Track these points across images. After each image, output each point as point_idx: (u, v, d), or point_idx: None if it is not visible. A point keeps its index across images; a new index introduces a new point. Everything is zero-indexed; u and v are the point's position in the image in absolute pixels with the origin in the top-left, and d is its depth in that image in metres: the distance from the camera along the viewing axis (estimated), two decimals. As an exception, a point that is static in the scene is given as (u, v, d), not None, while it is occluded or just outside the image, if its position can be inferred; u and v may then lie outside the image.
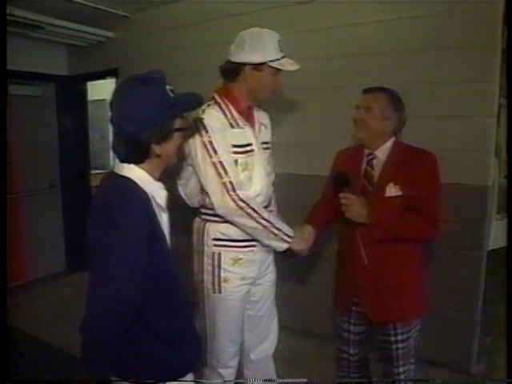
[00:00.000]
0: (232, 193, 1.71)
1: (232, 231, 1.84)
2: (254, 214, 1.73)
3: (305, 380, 2.14)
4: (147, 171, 1.26)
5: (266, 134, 1.96)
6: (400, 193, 1.74)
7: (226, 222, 1.83)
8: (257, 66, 1.75)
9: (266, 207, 1.88)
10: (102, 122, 5.52)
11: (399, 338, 1.84)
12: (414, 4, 2.45)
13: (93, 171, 4.71)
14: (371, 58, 2.60)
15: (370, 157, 1.85)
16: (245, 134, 1.83)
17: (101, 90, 5.10)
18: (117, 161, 1.29)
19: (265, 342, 2.09)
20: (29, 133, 4.13)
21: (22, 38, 3.66)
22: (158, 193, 1.28)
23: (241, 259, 1.87)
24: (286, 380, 2.08)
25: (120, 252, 1.14)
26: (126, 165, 1.25)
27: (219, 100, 1.83)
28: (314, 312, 2.94)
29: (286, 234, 1.78)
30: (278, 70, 1.77)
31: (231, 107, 1.82)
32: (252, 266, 1.90)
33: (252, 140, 1.84)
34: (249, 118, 1.88)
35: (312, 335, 2.96)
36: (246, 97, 1.84)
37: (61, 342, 2.98)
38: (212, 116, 1.77)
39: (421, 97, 2.39)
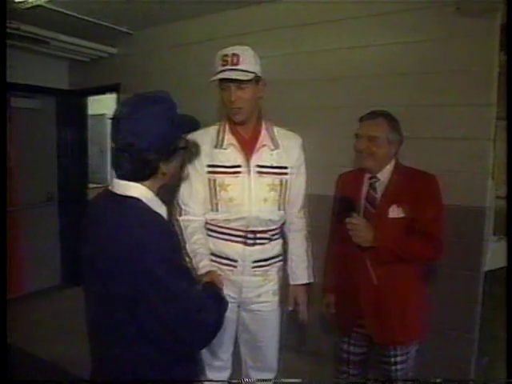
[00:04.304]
0: (178, 216, 1.87)
1: (214, 246, 1.87)
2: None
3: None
4: (150, 188, 1.26)
5: (270, 158, 1.84)
6: (403, 214, 1.76)
7: (212, 236, 1.88)
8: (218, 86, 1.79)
9: (253, 232, 1.83)
10: (101, 137, 5.55)
11: (398, 359, 1.86)
12: (413, 28, 2.52)
13: (91, 185, 4.70)
14: (372, 80, 2.65)
15: (373, 180, 1.87)
16: (228, 155, 1.82)
17: (100, 105, 5.13)
18: (115, 180, 1.26)
19: (264, 372, 2.02)
20: (27, 145, 4.13)
21: (25, 51, 3.69)
22: (160, 209, 1.28)
23: (219, 275, 1.83)
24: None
25: (171, 274, 1.16)
26: (130, 183, 1.23)
27: (224, 119, 1.89)
28: (310, 330, 2.93)
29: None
30: (223, 84, 1.75)
31: (227, 126, 1.86)
32: (232, 285, 1.85)
33: (239, 162, 1.81)
34: (244, 139, 1.85)
35: (308, 353, 2.95)
36: (227, 115, 1.86)
37: (55, 356, 2.96)
38: (199, 135, 1.82)
39: (419, 119, 2.43)
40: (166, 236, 1.20)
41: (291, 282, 1.98)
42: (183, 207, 1.86)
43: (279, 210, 1.88)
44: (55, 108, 4.40)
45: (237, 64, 1.71)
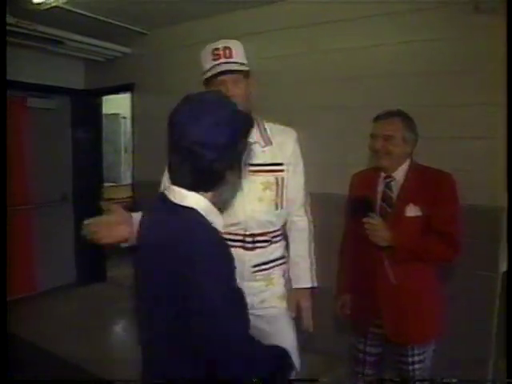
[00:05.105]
0: None
1: None
2: None
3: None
4: (209, 199, 1.12)
5: (262, 155, 1.71)
6: (420, 213, 1.75)
7: None
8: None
9: (251, 235, 1.72)
10: (115, 136, 5.61)
11: (416, 358, 1.85)
12: (428, 27, 2.50)
13: (105, 184, 4.75)
14: (385, 80, 2.64)
15: (388, 179, 1.86)
16: None
17: (114, 104, 5.18)
18: (172, 186, 1.13)
19: None
20: (43, 145, 4.17)
21: (42, 52, 3.75)
22: (216, 220, 1.15)
23: None
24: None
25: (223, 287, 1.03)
26: (189, 193, 1.10)
27: None
28: (322, 329, 2.91)
29: None
30: (216, 79, 1.61)
31: None
32: None
33: None
34: None
35: (320, 353, 2.94)
36: None
37: (69, 354, 2.98)
38: None
39: (433, 118, 2.41)
40: (219, 255, 1.07)
41: (293, 286, 1.84)
42: None
43: (276, 209, 1.75)
44: (70, 108, 4.44)
45: (230, 57, 1.61)
